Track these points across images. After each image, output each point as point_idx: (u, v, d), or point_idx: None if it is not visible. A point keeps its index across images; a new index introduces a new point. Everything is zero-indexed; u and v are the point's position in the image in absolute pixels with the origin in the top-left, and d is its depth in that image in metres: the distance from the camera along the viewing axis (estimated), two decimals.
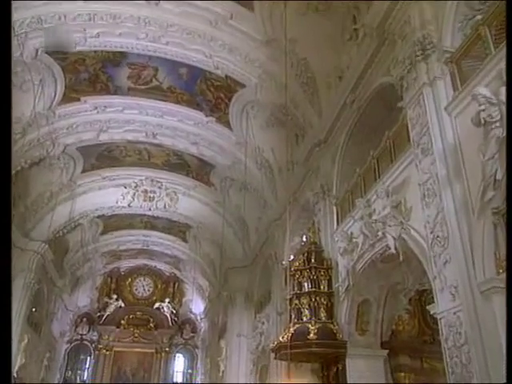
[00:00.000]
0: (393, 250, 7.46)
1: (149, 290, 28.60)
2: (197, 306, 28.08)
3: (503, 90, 5.13)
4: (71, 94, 14.32)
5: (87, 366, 26.10)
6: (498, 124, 5.17)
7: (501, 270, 5.40)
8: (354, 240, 9.21)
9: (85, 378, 25.83)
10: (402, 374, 9.68)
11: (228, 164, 17.37)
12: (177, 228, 22.83)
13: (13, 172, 15.25)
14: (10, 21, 10.08)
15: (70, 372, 25.82)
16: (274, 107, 13.68)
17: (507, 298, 4.77)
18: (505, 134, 4.93)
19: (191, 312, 28.30)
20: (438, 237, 6.24)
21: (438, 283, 6.14)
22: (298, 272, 10.36)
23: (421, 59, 7.11)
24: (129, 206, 20.26)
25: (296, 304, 10.07)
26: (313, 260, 10.31)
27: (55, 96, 13.95)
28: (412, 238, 7.17)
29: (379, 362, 9.58)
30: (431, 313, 6.43)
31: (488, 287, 5.42)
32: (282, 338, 9.62)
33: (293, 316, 10.07)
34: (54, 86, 13.65)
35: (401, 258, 7.53)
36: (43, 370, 21.72)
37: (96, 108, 15.16)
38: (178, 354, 27.65)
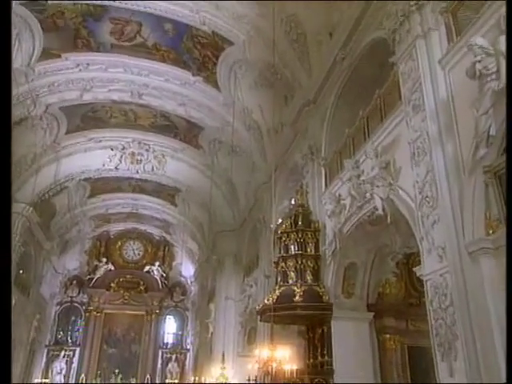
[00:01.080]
0: (380, 212, 7.26)
1: (139, 254, 28.56)
2: (187, 270, 28.15)
3: (502, 39, 4.80)
4: (51, 50, 13.65)
5: (78, 328, 26.27)
6: (493, 76, 4.86)
7: (490, 231, 5.22)
8: (342, 202, 9.00)
9: (76, 338, 26.03)
10: (387, 336, 9.69)
11: (217, 126, 16.93)
12: (166, 191, 22.50)
13: None
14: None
15: (61, 333, 26.01)
16: (263, 66, 13.16)
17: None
18: (502, 86, 4.60)
19: (181, 275, 28.40)
20: (426, 197, 6.02)
21: (426, 244, 5.97)
22: (285, 235, 10.20)
23: (415, 9, 6.70)
24: (116, 168, 19.87)
25: (282, 267, 9.96)
26: (300, 223, 10.13)
27: (33, 52, 13.28)
28: (400, 198, 6.95)
29: (365, 324, 9.58)
30: (418, 275, 6.30)
31: (476, 248, 5.25)
32: (268, 300, 9.54)
33: (279, 279, 9.98)
34: (32, 41, 12.97)
35: (388, 220, 7.34)
36: (33, 331, 21.84)
37: (78, 66, 14.51)
38: (168, 316, 27.91)
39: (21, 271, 19.28)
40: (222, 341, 17.72)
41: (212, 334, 19.43)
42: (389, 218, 7.30)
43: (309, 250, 9.91)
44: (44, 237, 21.55)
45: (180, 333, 27.73)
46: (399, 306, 10.05)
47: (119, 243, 28.33)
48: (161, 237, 28.36)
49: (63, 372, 25.05)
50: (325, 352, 9.33)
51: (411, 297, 10.17)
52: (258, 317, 10.76)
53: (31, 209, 17.98)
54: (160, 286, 27.51)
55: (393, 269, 9.78)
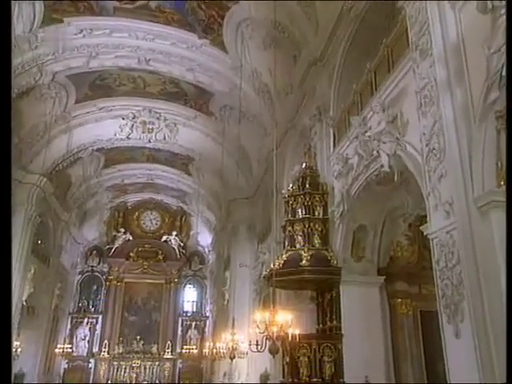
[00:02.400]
0: (386, 168, 6.83)
1: (156, 224, 28.74)
2: (204, 239, 28.26)
3: None
4: (53, 15, 13.31)
5: (100, 296, 26.87)
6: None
7: (502, 183, 4.77)
8: (350, 162, 8.58)
9: (98, 306, 26.68)
10: (399, 300, 9.40)
11: (226, 91, 16.46)
12: (179, 161, 22.31)
13: None
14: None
15: (84, 301, 26.66)
16: (270, 25, 12.54)
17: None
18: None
19: (199, 244, 28.54)
20: (433, 149, 5.56)
21: (432, 200, 5.56)
22: (292, 198, 9.86)
23: None
24: (127, 138, 19.70)
25: (290, 231, 9.67)
26: (307, 185, 9.77)
27: (35, 17, 12.97)
28: (408, 154, 6.50)
29: (375, 288, 9.30)
30: (424, 234, 5.90)
31: (486, 202, 4.83)
32: (274, 265, 9.31)
33: (286, 243, 9.70)
34: (32, 6, 12.64)
35: (395, 178, 6.91)
36: (55, 299, 22.39)
37: (82, 31, 14.15)
38: (188, 285, 28.28)
39: (39, 241, 19.59)
40: (237, 308, 17.79)
41: (228, 301, 19.52)
42: (396, 175, 6.87)
43: (317, 213, 9.57)
44: (61, 208, 21.79)
45: (199, 301, 28.10)
46: (412, 269, 9.70)
47: (137, 213, 28.52)
48: (177, 207, 28.40)
49: (87, 338, 25.79)
50: (334, 317, 9.12)
51: (424, 260, 9.74)
52: (266, 282, 10.56)
53: (45, 179, 18.06)
54: (178, 256, 27.73)
55: (405, 231, 9.39)
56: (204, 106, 18.31)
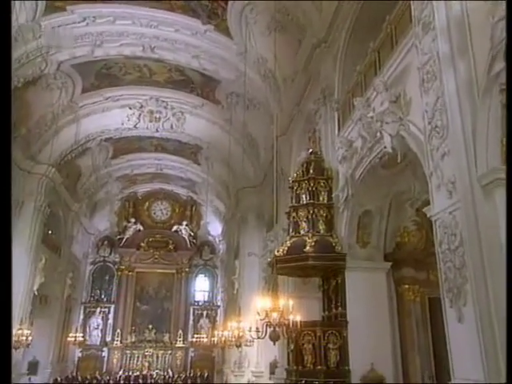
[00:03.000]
0: (389, 149, 6.60)
1: (167, 214, 28.81)
2: (215, 228, 28.25)
3: None
4: (55, 3, 13.21)
5: (112, 286, 27.10)
6: None
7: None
8: (354, 145, 8.35)
9: (110, 296, 26.92)
10: (406, 286, 9.19)
11: (232, 78, 16.26)
12: (188, 150, 22.22)
13: None
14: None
15: (97, 291, 26.96)
16: (274, 8, 12.26)
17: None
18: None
19: (209, 234, 28.56)
20: (436, 127, 5.32)
21: (435, 180, 5.34)
22: (296, 184, 9.68)
23: None
24: (135, 127, 19.65)
25: (294, 217, 9.50)
26: (311, 171, 9.56)
27: (37, 6, 12.89)
28: (411, 134, 6.27)
29: (381, 274, 9.10)
30: (428, 216, 5.69)
31: (490, 180, 4.61)
32: (278, 251, 9.16)
33: (290, 230, 9.54)
34: None
35: (399, 159, 6.68)
36: (67, 288, 22.61)
37: (85, 19, 14.04)
38: (199, 275, 28.39)
39: (49, 232, 19.74)
40: (245, 296, 17.73)
41: (237, 290, 19.48)
42: (399, 156, 6.64)
43: (321, 198, 9.37)
44: (71, 198, 21.92)
45: (210, 290, 28.18)
46: (419, 255, 9.45)
47: (147, 204, 28.63)
48: (187, 196, 28.40)
49: (100, 327, 26.11)
50: (339, 304, 8.96)
51: (432, 245, 9.30)
52: (270, 269, 10.43)
53: (53, 170, 18.13)
54: (189, 245, 27.82)
55: (412, 216, 9.15)
56: (211, 94, 18.14)
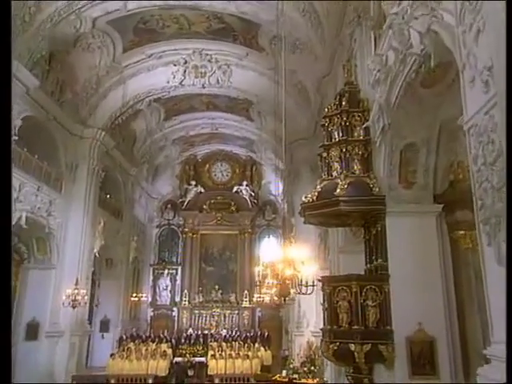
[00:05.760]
0: (417, 50, 5.11)
1: (227, 175, 28.45)
2: (276, 188, 27.38)
3: None
4: None
5: (178, 248, 27.60)
6: None
7: None
8: (388, 65, 6.83)
9: (177, 258, 27.47)
10: (462, 232, 7.66)
11: (272, 19, 14.77)
12: (239, 105, 21.32)
13: (45, 54, 14.70)
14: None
15: (164, 253, 27.65)
16: None
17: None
18: None
19: (271, 194, 27.82)
20: None
21: (468, 73, 3.92)
22: (327, 119, 8.37)
23: None
24: (181, 84, 19.04)
25: (325, 158, 8.28)
26: (344, 103, 8.17)
27: None
28: (444, 26, 4.74)
29: (431, 219, 7.64)
30: (461, 126, 4.26)
31: None
32: (306, 197, 8.04)
33: (322, 173, 8.33)
34: None
35: (432, 63, 5.18)
36: (133, 251, 23.21)
37: None
38: (263, 235, 27.93)
39: (107, 195, 20.10)
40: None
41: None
42: (432, 60, 5.13)
43: (356, 134, 8.01)
44: (129, 163, 22.13)
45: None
46: None
47: (207, 166, 28.43)
48: (247, 156, 27.75)
49: (168, 288, 26.85)
50: (379, 255, 7.72)
51: None
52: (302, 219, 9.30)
53: (103, 133, 18.14)
54: (250, 206, 27.36)
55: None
56: (254, 41, 16.93)
